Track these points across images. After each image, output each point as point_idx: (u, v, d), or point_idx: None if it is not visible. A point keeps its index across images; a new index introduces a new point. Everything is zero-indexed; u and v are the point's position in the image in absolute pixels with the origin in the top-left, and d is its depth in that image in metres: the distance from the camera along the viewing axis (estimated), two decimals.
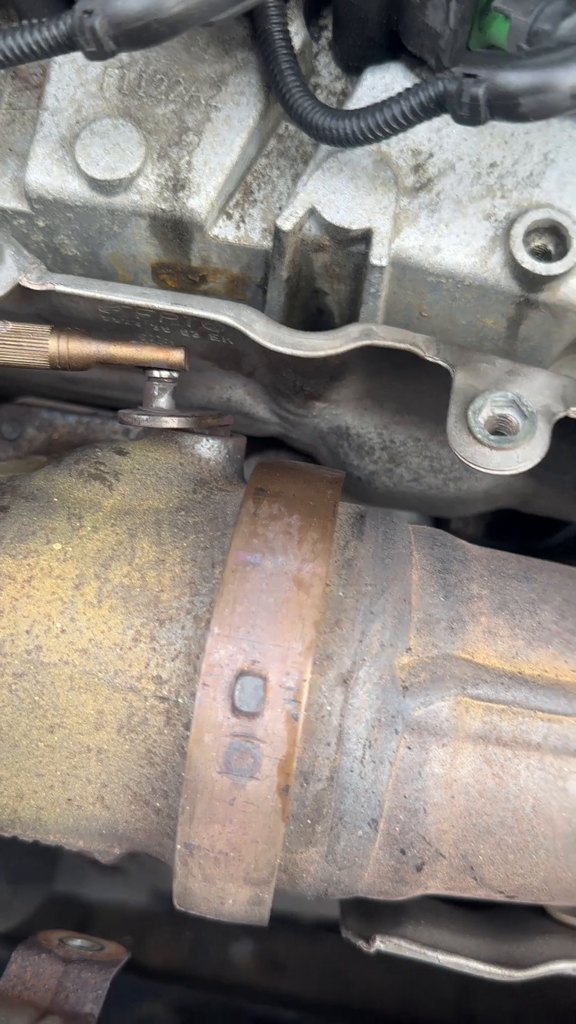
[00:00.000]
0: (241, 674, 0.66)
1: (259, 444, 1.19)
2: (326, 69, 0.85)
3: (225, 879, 0.69)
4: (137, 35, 0.63)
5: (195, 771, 0.66)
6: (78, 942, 0.94)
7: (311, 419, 0.95)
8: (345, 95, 0.84)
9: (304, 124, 0.74)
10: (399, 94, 0.67)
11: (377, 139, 0.70)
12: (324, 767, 0.68)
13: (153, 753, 0.70)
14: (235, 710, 0.66)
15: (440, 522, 1.20)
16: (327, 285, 0.86)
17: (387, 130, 0.69)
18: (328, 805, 0.69)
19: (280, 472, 0.79)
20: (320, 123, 0.72)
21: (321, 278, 0.85)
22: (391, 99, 0.68)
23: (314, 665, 0.69)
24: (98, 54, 0.65)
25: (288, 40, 0.77)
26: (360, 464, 0.97)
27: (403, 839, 0.70)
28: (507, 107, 0.60)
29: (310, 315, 0.91)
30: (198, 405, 0.99)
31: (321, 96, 0.84)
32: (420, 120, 0.67)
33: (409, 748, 0.69)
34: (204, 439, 0.85)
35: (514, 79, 0.60)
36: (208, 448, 0.85)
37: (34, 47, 0.67)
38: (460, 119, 0.63)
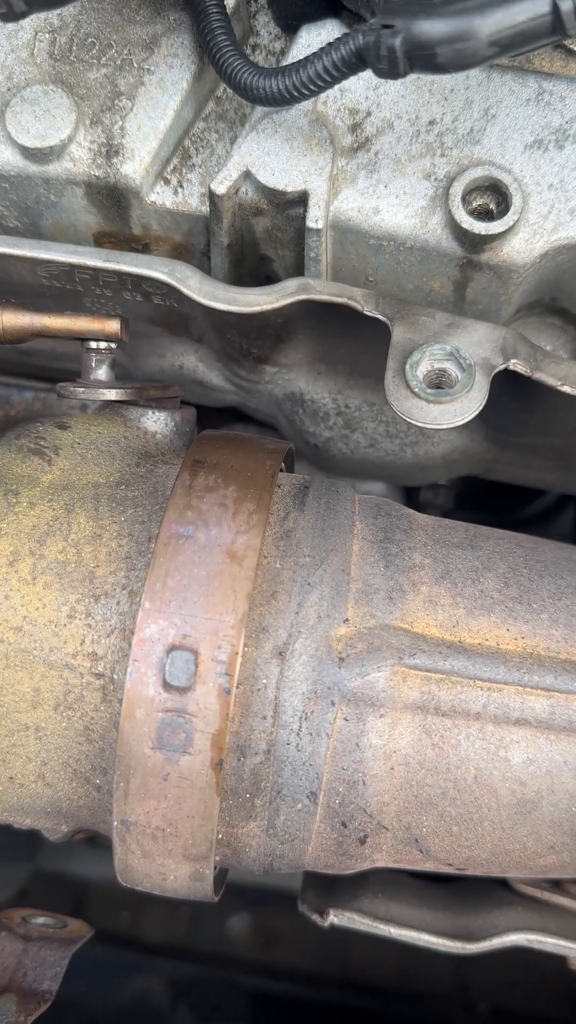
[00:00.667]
0: (172, 648, 0.65)
1: (226, 418, 1.17)
2: (265, 29, 0.83)
3: (164, 855, 0.69)
4: None
5: (127, 747, 0.65)
6: (40, 920, 0.94)
7: (264, 385, 0.93)
8: (284, 55, 0.82)
9: (234, 84, 0.72)
10: (321, 49, 0.65)
11: (304, 97, 0.68)
12: (261, 740, 0.67)
13: (91, 730, 0.70)
14: (166, 685, 0.65)
15: (409, 492, 1.19)
16: (271, 251, 0.84)
17: (312, 87, 0.67)
18: (266, 779, 0.68)
19: (220, 444, 0.77)
20: (248, 82, 0.71)
21: (264, 244, 0.83)
22: (314, 55, 0.66)
23: (249, 638, 0.68)
24: (9, 15, 0.63)
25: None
26: (316, 431, 0.95)
27: (343, 812, 0.69)
28: (425, 58, 0.58)
29: (259, 283, 0.89)
30: (150, 374, 0.98)
31: (260, 56, 0.82)
32: (344, 75, 0.65)
33: (346, 720, 0.68)
34: (150, 411, 0.84)
35: (430, 28, 0.58)
36: (154, 421, 0.84)
37: None
38: (380, 72, 0.61)
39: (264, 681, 0.67)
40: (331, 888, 0.89)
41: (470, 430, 0.92)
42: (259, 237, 0.82)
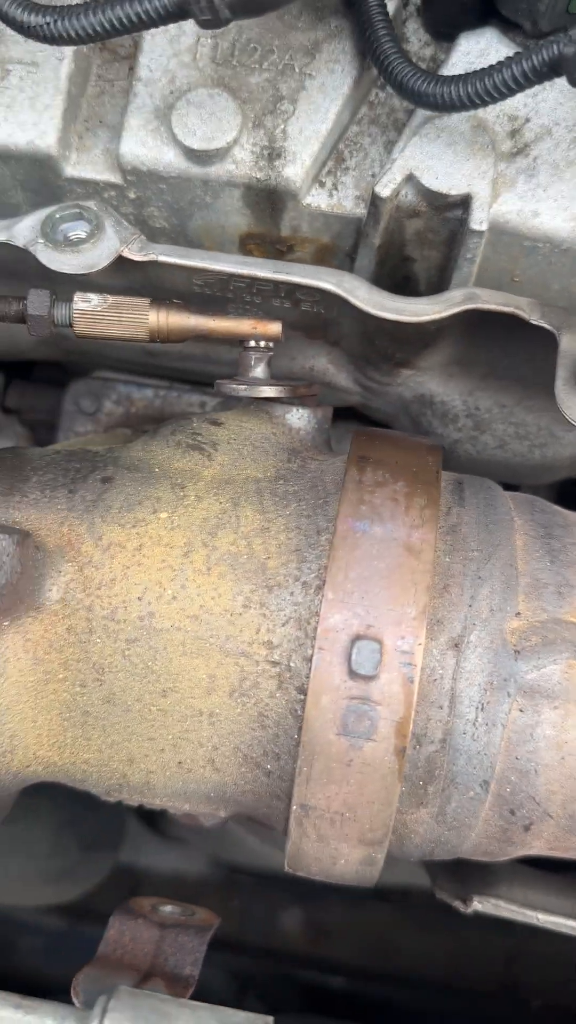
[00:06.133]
0: (357, 638, 0.67)
1: (336, 415, 1.19)
2: (415, 35, 0.85)
3: (339, 839, 0.70)
4: (253, 2, 0.63)
5: (312, 733, 0.67)
6: (169, 908, 0.96)
7: (395, 387, 0.95)
8: (435, 61, 0.83)
9: (404, 90, 0.74)
10: (508, 59, 0.67)
11: (484, 104, 0.70)
12: (437, 729, 0.69)
13: (265, 716, 0.71)
14: (352, 673, 0.67)
15: (510, 489, 1.20)
16: (417, 252, 0.86)
17: (495, 95, 0.69)
18: (440, 767, 0.70)
19: (379, 441, 0.79)
20: (422, 89, 0.72)
21: (412, 245, 0.85)
22: (500, 64, 0.68)
23: (426, 629, 0.69)
24: (213, 22, 0.65)
25: (383, 5, 0.77)
26: (444, 432, 0.97)
27: (513, 800, 0.71)
28: None
29: (396, 283, 0.91)
30: (280, 375, 1.00)
31: None
32: (530, 84, 0.67)
33: (521, 711, 0.69)
34: (294, 409, 0.85)
35: None
36: (298, 418, 0.85)
37: (143, 16, 0.67)
38: (575, 81, 0.63)
39: (441, 672, 0.69)
40: (463, 877, 0.90)
41: None
42: (408, 238, 0.84)
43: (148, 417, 1.08)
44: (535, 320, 0.74)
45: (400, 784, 0.68)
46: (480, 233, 0.77)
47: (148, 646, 0.72)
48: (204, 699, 0.72)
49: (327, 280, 0.76)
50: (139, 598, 0.72)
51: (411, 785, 0.70)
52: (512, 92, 0.68)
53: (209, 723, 0.73)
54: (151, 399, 1.09)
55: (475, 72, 0.69)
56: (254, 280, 0.79)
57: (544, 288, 0.83)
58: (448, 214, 0.80)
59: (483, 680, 0.69)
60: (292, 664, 0.70)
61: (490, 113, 0.79)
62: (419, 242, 0.84)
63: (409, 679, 0.67)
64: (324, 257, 0.89)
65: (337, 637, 0.67)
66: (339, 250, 0.88)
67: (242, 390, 0.81)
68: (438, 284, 0.87)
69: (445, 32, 0.82)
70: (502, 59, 0.68)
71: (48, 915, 1.58)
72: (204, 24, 0.65)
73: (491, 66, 0.68)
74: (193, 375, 1.09)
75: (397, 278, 0.90)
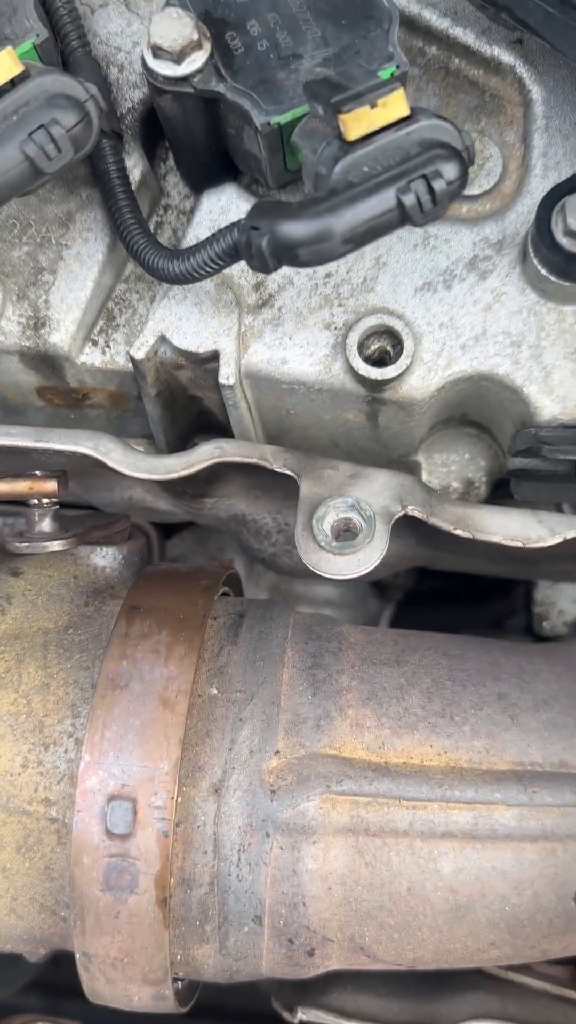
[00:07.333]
0: (112, 798, 0.71)
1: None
2: (175, 189, 0.89)
3: (126, 980, 0.74)
4: None
5: (79, 890, 0.71)
6: None
7: (208, 510, 0.99)
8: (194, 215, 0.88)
9: (142, 264, 0.78)
10: (208, 239, 0.72)
11: (201, 277, 0.75)
12: (204, 873, 0.73)
13: (51, 869, 0.75)
14: (109, 833, 0.71)
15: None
16: (199, 392, 0.90)
17: (206, 270, 0.73)
18: (212, 907, 0.73)
19: (156, 585, 0.83)
20: (154, 264, 0.77)
21: (192, 387, 0.89)
22: (202, 243, 0.72)
23: (187, 777, 0.73)
24: None
25: (124, 178, 0.81)
26: (260, 547, 1.01)
27: (288, 930, 0.75)
28: (289, 256, 0.64)
29: (193, 416, 0.95)
30: (102, 504, 1.04)
31: (172, 216, 0.89)
32: (229, 263, 0.72)
33: (282, 848, 0.73)
34: (99, 548, 0.90)
35: (291, 231, 0.64)
36: (103, 557, 0.90)
37: None
38: (253, 267, 0.67)
39: (203, 818, 0.73)
40: (303, 981, 0.93)
41: (403, 538, 0.98)
42: (185, 383, 0.88)
43: None
44: (278, 468, 0.78)
45: (168, 930, 0.71)
46: (231, 387, 0.82)
47: None
48: None
49: (84, 444, 0.80)
50: None
51: (189, 925, 0.74)
52: (218, 268, 0.72)
53: (3, 877, 0.77)
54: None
55: (187, 249, 0.74)
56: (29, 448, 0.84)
57: (317, 417, 0.87)
58: (207, 366, 0.84)
59: (242, 823, 0.73)
60: (67, 820, 0.75)
61: (235, 268, 0.83)
62: (196, 385, 0.88)
63: (163, 834, 0.71)
64: (119, 401, 0.93)
65: (94, 799, 0.71)
66: (130, 395, 0.92)
67: (24, 547, 0.85)
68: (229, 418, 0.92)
69: (200, 186, 0.87)
70: (207, 238, 0.72)
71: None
72: None
73: (197, 245, 0.73)
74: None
75: (193, 412, 0.95)
